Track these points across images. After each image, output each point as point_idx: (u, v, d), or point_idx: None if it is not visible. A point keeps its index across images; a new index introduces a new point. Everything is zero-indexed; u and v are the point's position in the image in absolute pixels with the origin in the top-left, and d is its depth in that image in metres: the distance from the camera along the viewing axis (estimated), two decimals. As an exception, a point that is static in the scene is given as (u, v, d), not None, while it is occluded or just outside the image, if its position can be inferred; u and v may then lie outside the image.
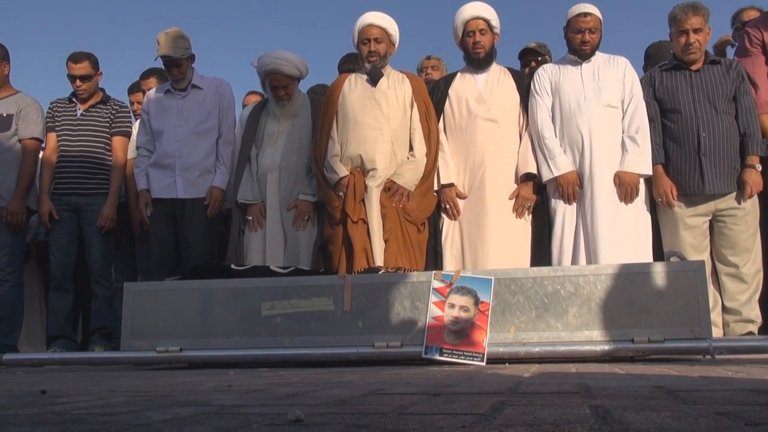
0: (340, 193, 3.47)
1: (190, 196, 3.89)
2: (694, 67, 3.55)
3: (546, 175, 3.49)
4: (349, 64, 4.31)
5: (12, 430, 0.93)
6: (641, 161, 3.44)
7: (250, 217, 3.70)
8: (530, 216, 3.58)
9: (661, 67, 3.66)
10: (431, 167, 3.55)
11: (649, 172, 3.45)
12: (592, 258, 3.35)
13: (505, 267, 3.09)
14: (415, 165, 3.51)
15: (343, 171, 3.49)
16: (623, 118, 3.51)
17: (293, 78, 3.73)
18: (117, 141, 4.21)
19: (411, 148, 3.55)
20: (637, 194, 3.44)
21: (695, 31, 3.48)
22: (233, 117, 4.15)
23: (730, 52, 4.18)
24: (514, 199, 3.54)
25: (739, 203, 3.44)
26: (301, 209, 3.67)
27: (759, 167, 3.45)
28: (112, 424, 0.98)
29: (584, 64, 3.60)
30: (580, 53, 3.59)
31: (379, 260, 3.32)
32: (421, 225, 3.52)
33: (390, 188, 3.45)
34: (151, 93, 4.18)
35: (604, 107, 3.50)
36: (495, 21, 3.65)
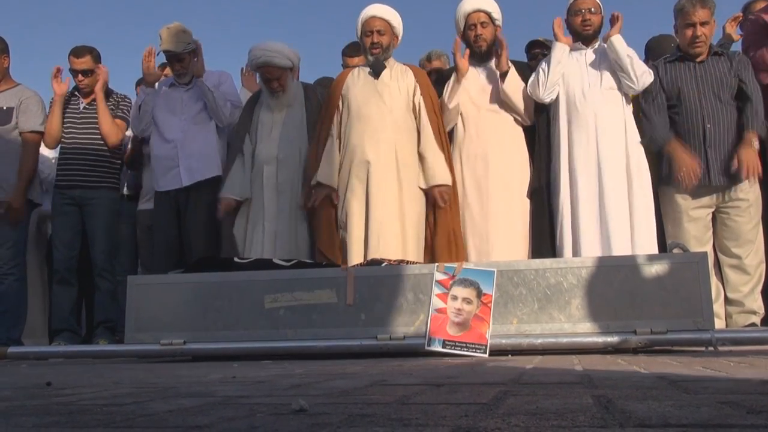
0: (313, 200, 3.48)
1: (194, 181, 3.88)
2: (698, 59, 3.53)
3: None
4: (352, 50, 4.30)
5: (18, 420, 0.94)
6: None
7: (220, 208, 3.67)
8: (528, 204, 3.57)
9: (665, 59, 3.65)
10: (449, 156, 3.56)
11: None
12: (603, 243, 3.31)
13: (508, 257, 3.09)
14: (440, 158, 3.50)
15: (331, 182, 3.49)
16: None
17: (285, 69, 3.72)
18: (116, 121, 4.20)
19: (418, 143, 3.55)
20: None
21: (702, 24, 3.46)
22: (233, 84, 4.15)
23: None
24: (515, 192, 3.53)
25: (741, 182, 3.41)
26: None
27: (756, 145, 3.40)
28: (117, 414, 0.98)
29: (587, 51, 3.59)
30: (582, 35, 3.58)
31: (374, 252, 3.32)
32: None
33: (436, 194, 3.45)
34: (156, 86, 4.18)
35: (606, 90, 3.49)
36: (496, 14, 3.65)
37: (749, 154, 3.37)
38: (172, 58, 3.94)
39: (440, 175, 3.46)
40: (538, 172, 3.57)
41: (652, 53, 4.03)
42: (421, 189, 3.49)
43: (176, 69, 3.99)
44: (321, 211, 3.52)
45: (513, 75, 3.55)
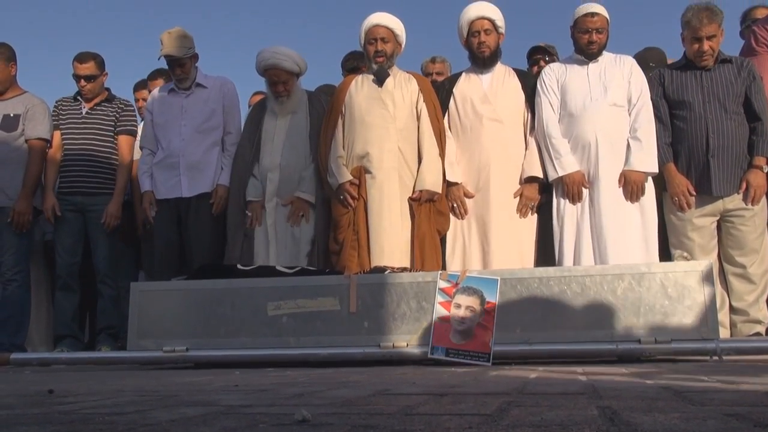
0: (341, 197, 3.47)
1: (196, 194, 3.89)
2: (705, 68, 3.52)
3: (552, 175, 3.48)
4: (352, 62, 4.30)
5: (20, 429, 0.94)
6: (646, 159, 3.42)
7: (249, 214, 3.68)
8: (535, 215, 3.57)
9: (671, 66, 3.64)
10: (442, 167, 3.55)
11: (655, 169, 3.44)
12: (599, 258, 3.33)
13: (510, 267, 3.09)
14: (435, 165, 3.50)
15: (344, 176, 3.49)
16: (630, 117, 3.50)
17: (292, 73, 3.72)
18: (123, 140, 4.21)
19: (419, 149, 3.55)
20: (643, 193, 3.42)
21: (709, 38, 3.44)
22: (239, 115, 4.14)
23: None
24: (518, 199, 3.53)
25: (745, 205, 3.43)
26: (296, 206, 3.65)
27: (766, 169, 3.44)
28: (119, 423, 0.98)
29: (591, 64, 3.58)
30: (587, 53, 3.57)
31: (379, 260, 3.31)
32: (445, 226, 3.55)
33: (420, 198, 3.44)
34: (155, 92, 4.18)
35: (610, 106, 3.48)
36: (500, 21, 3.64)
37: (758, 179, 3.42)
38: (173, 63, 3.93)
39: (429, 181, 3.46)
40: (541, 185, 3.57)
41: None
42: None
43: (177, 74, 3.96)
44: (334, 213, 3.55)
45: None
